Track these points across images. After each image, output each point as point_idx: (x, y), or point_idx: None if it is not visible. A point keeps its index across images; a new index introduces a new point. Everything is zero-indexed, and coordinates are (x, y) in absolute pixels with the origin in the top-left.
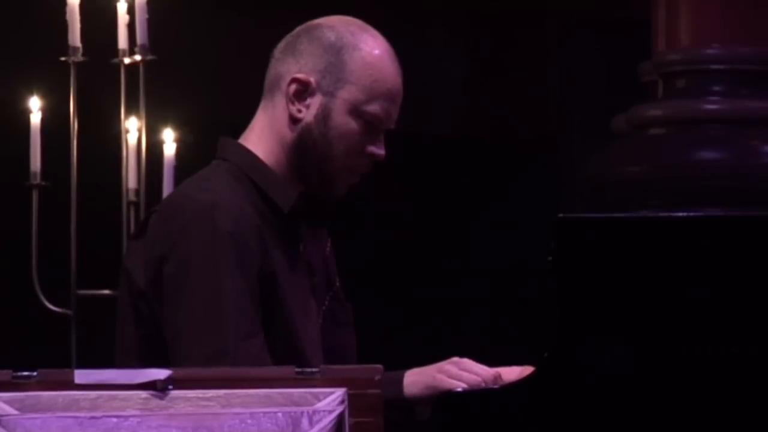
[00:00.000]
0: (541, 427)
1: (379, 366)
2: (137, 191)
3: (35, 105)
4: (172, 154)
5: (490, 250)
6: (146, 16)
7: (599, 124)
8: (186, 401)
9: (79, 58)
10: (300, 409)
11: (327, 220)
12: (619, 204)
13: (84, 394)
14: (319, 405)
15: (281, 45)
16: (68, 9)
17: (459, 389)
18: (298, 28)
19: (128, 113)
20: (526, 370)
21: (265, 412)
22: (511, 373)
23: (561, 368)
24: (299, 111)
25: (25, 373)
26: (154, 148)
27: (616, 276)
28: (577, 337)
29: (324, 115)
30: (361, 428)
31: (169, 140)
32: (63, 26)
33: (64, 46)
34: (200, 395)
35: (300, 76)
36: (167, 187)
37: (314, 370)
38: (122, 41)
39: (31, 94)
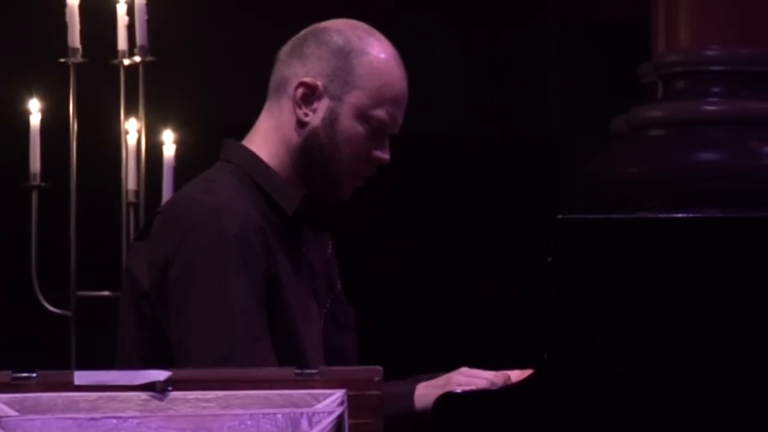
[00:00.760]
0: (540, 427)
1: (379, 367)
2: (137, 192)
3: (35, 106)
4: (172, 156)
5: (490, 251)
6: (146, 17)
7: (599, 125)
8: (185, 402)
9: (78, 59)
10: (299, 410)
11: (329, 222)
12: (619, 205)
13: (83, 396)
14: (319, 406)
15: (287, 48)
16: (68, 10)
17: (458, 390)
18: (304, 31)
19: (128, 114)
20: (525, 373)
21: (264, 414)
22: (511, 375)
23: (560, 369)
24: (306, 115)
25: (25, 375)
26: (154, 149)
27: (615, 277)
28: (576, 337)
29: (331, 119)
30: (360, 429)
31: (169, 141)
32: (62, 27)
33: (63, 48)
34: (200, 396)
35: (307, 79)
36: (167, 189)
37: (314, 371)
38: (122, 42)
39: (31, 95)
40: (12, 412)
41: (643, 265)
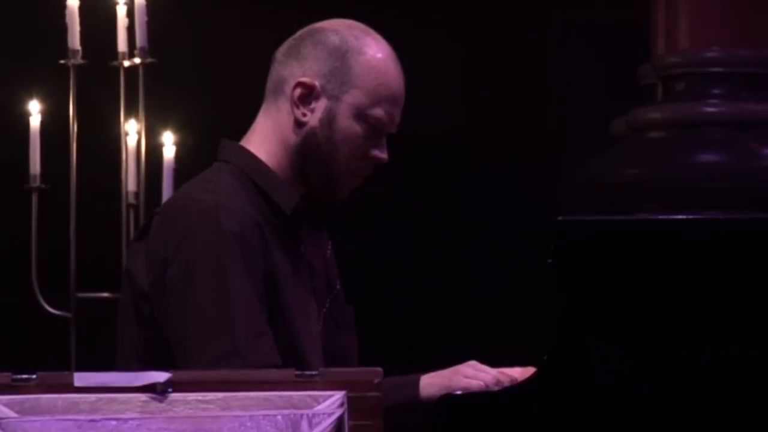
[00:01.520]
0: (541, 428)
1: (379, 369)
2: (137, 194)
3: (35, 108)
4: (172, 157)
5: (491, 253)
6: (146, 18)
7: (599, 126)
8: (185, 404)
9: (78, 60)
10: (299, 412)
11: (328, 222)
12: (619, 206)
13: (83, 397)
14: (319, 408)
15: (284, 48)
16: (68, 12)
17: (459, 391)
18: (301, 32)
19: (128, 116)
20: (527, 371)
21: (264, 415)
22: (513, 373)
23: (560, 370)
24: (304, 115)
25: (25, 376)
26: (154, 150)
27: (615, 278)
28: (576, 339)
29: (329, 119)
30: (360, 431)
31: (169, 143)
32: (62, 29)
33: (63, 49)
34: (200, 398)
35: (305, 80)
36: (167, 190)
37: (314, 372)
38: (122, 44)
39: (31, 97)
40: (12, 414)
41: (644, 266)
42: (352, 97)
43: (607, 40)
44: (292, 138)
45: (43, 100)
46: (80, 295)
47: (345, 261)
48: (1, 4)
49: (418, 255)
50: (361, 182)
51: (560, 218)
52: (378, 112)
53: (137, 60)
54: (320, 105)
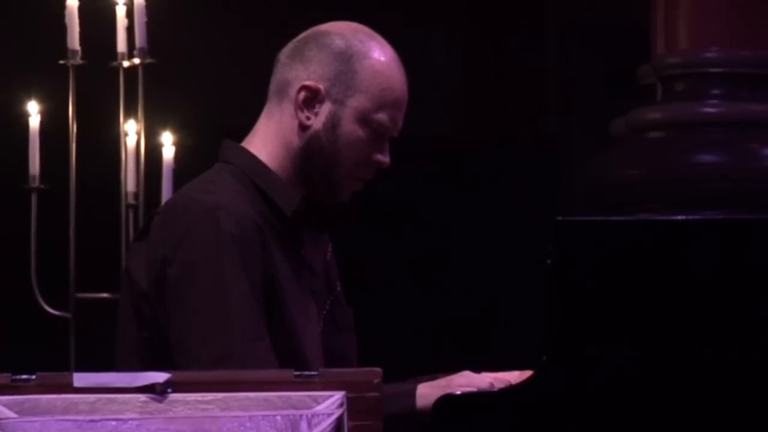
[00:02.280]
0: (539, 429)
1: (378, 369)
2: (136, 194)
3: (34, 108)
4: (171, 157)
5: (490, 253)
6: (145, 19)
7: (598, 127)
8: (185, 404)
9: (78, 61)
10: (299, 412)
11: (328, 224)
12: (618, 207)
13: (83, 398)
14: (318, 408)
15: (287, 50)
16: (67, 12)
17: (458, 391)
18: (305, 34)
19: (127, 116)
20: (524, 375)
21: (264, 416)
22: (509, 378)
23: (560, 371)
24: (308, 118)
25: (24, 376)
26: (153, 151)
27: (615, 278)
28: (576, 339)
29: (333, 123)
30: (359, 431)
31: (168, 143)
32: (62, 29)
33: (63, 50)
34: (199, 398)
35: (309, 83)
36: (166, 190)
37: (313, 373)
38: (121, 44)
39: (30, 97)
40: (11, 414)
41: (643, 267)
42: (357, 102)
43: (607, 40)
44: (295, 141)
45: (42, 100)
46: (80, 295)
47: (343, 261)
48: (1, 5)
49: (416, 255)
50: (363, 186)
51: (559, 218)
52: (382, 116)
53: (137, 60)
54: (324, 109)
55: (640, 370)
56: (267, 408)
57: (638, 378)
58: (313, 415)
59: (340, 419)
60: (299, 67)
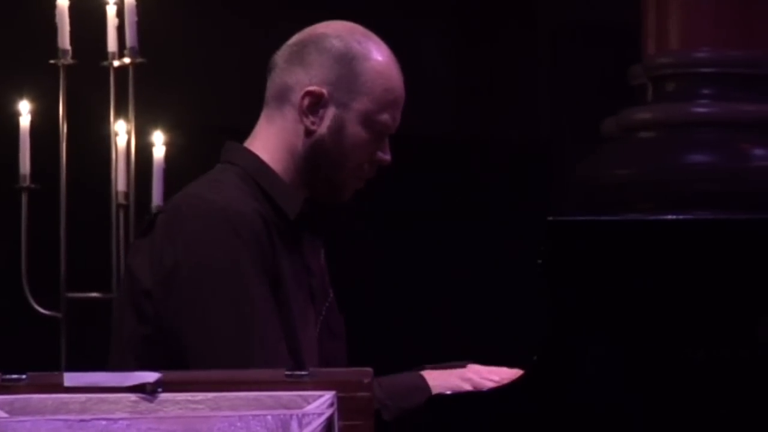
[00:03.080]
0: (530, 428)
1: (369, 369)
2: (126, 194)
3: (25, 108)
4: (162, 157)
5: (481, 253)
6: (136, 18)
7: (589, 127)
8: (175, 404)
9: (68, 60)
10: (289, 412)
11: (326, 228)
12: (609, 207)
13: (73, 397)
14: (309, 408)
15: (284, 54)
16: (57, 12)
17: (448, 392)
18: (300, 37)
19: (118, 116)
20: (518, 374)
21: (254, 415)
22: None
23: (551, 371)
24: (313, 123)
25: (14, 376)
26: (144, 151)
27: (606, 279)
28: (567, 339)
29: (337, 127)
30: (350, 431)
31: (159, 143)
32: (52, 29)
33: (53, 49)
34: (189, 398)
35: (313, 88)
36: (157, 190)
37: (303, 373)
38: (112, 44)
39: (21, 97)
40: (2, 414)
41: (634, 267)
42: (360, 104)
43: (598, 40)
44: (300, 145)
45: (33, 100)
46: (70, 295)
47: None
48: None
49: (407, 256)
50: (364, 184)
51: (550, 218)
52: (384, 117)
53: (127, 60)
54: (329, 113)
55: (632, 370)
56: (257, 408)
57: (629, 378)
58: (303, 415)
59: (330, 419)
60: (299, 71)
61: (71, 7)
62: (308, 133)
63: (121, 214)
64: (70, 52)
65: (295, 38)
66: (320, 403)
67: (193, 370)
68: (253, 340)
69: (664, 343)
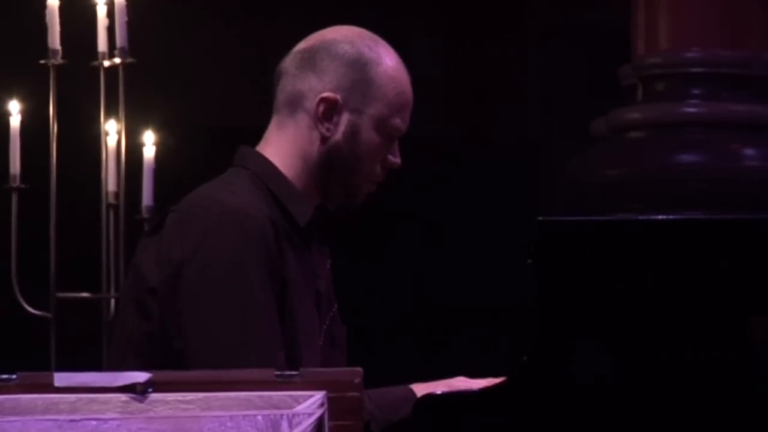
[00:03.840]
0: (520, 428)
1: (359, 369)
2: (117, 194)
3: (15, 108)
4: (152, 157)
5: (470, 253)
6: (126, 18)
7: (579, 127)
8: (165, 404)
9: (58, 60)
10: (280, 412)
11: (333, 236)
12: (599, 207)
13: (63, 397)
14: (299, 408)
15: (294, 60)
16: (48, 12)
17: (438, 391)
18: (309, 43)
19: (108, 116)
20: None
21: (244, 415)
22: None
23: (540, 371)
24: (328, 130)
25: (4, 376)
26: (134, 150)
27: (595, 279)
28: (556, 339)
29: (352, 132)
30: (340, 431)
31: (149, 143)
32: (42, 29)
33: (43, 49)
34: (180, 398)
35: (328, 95)
36: (147, 190)
37: (294, 373)
38: (102, 44)
39: (11, 97)
40: None
41: (623, 267)
42: (374, 109)
43: (588, 40)
44: (314, 152)
45: (23, 100)
46: (60, 295)
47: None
48: None
49: (395, 256)
50: (376, 188)
51: (540, 218)
52: (397, 121)
53: (117, 60)
54: (343, 119)
55: (621, 370)
56: (248, 408)
57: (619, 379)
58: (293, 415)
59: (320, 419)
60: (312, 77)
61: (61, 7)
62: (323, 139)
63: (111, 214)
64: (61, 52)
65: (303, 44)
66: (310, 403)
67: (183, 371)
68: (251, 346)
69: (653, 342)
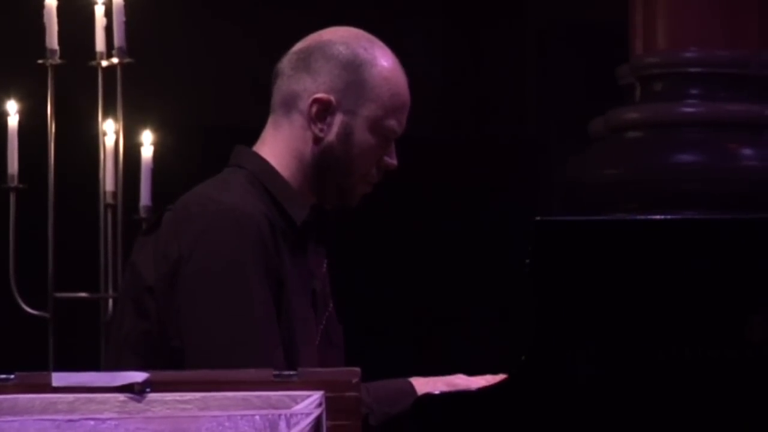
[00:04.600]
0: (518, 429)
1: (357, 369)
2: (115, 194)
3: (13, 108)
4: (150, 157)
5: (468, 253)
6: (124, 18)
7: (577, 127)
8: (163, 404)
9: (56, 60)
10: (277, 412)
11: (329, 236)
12: (597, 207)
13: (61, 397)
14: (297, 408)
15: (290, 61)
16: (45, 11)
17: (437, 391)
18: (306, 44)
19: (106, 116)
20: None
21: (242, 415)
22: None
23: (538, 371)
24: (321, 130)
25: (2, 376)
26: (132, 150)
27: (593, 278)
28: (555, 339)
29: (346, 134)
30: (338, 431)
31: (147, 143)
32: (40, 29)
33: (41, 49)
34: (178, 398)
35: (321, 96)
36: (145, 190)
37: (292, 373)
38: (100, 44)
39: (9, 97)
40: None
41: (621, 267)
42: (368, 111)
43: (586, 40)
44: (308, 152)
45: (21, 100)
46: (58, 295)
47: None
48: None
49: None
50: (371, 188)
51: (538, 218)
52: (392, 122)
53: (115, 60)
54: (336, 120)
55: (619, 370)
56: (246, 408)
57: (616, 378)
58: (291, 415)
59: (318, 419)
60: (307, 78)
61: (59, 7)
62: (316, 140)
63: (109, 214)
64: (58, 52)
65: (300, 45)
66: (308, 403)
67: (181, 371)
68: (248, 343)
69: (651, 342)
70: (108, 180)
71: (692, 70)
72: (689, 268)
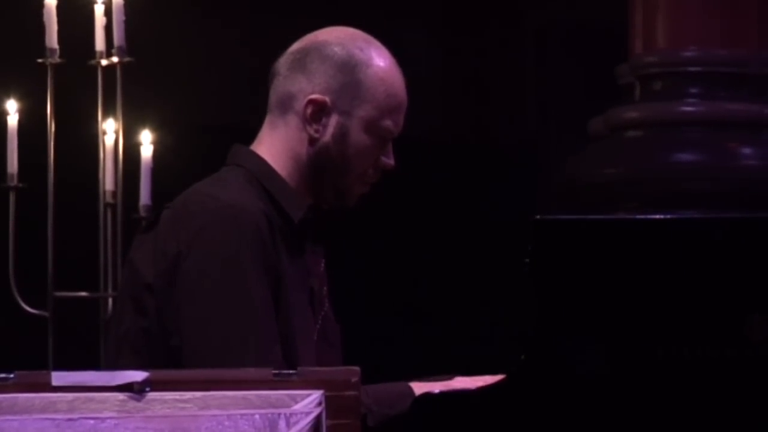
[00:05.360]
0: (518, 428)
1: (356, 368)
2: (114, 193)
3: (12, 107)
4: (150, 156)
5: (468, 253)
6: (123, 17)
7: (576, 126)
8: (163, 403)
9: (56, 59)
10: (277, 411)
11: (326, 236)
12: (596, 206)
13: (61, 396)
14: (296, 407)
15: (286, 62)
16: (45, 10)
17: (436, 390)
18: (302, 45)
19: (106, 115)
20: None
21: (242, 414)
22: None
23: (538, 370)
24: (316, 131)
25: (2, 375)
26: (132, 150)
27: (593, 277)
28: (554, 338)
29: (341, 134)
30: (338, 430)
31: (147, 142)
32: (40, 28)
33: (41, 48)
34: (177, 397)
35: (316, 97)
36: (144, 190)
37: (291, 372)
38: (99, 43)
39: (8, 96)
40: None
41: (621, 266)
42: (363, 111)
43: (585, 40)
44: (304, 153)
45: (20, 99)
46: (58, 294)
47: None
48: None
49: (393, 257)
50: (369, 189)
51: (537, 218)
52: (387, 123)
53: (115, 59)
54: (332, 121)
55: (618, 369)
56: (245, 407)
57: (616, 377)
58: (291, 414)
59: (318, 418)
60: (302, 79)
61: (59, 6)
62: (312, 141)
63: (109, 213)
64: (58, 51)
65: (296, 45)
66: (308, 402)
67: (181, 369)
68: (247, 339)
69: (651, 341)
70: (108, 179)
71: (692, 69)
72: (689, 267)
